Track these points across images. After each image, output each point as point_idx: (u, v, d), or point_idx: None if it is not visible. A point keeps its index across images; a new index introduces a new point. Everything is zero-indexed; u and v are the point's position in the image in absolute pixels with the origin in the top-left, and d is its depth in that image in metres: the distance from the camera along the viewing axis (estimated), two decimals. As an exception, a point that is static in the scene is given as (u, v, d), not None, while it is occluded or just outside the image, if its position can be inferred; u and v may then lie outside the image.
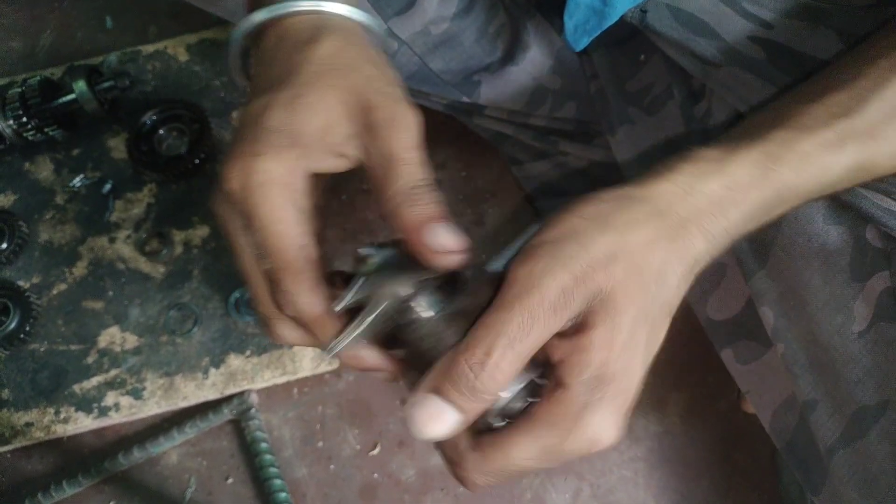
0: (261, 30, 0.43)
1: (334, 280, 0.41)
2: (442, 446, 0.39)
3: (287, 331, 0.41)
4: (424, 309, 0.38)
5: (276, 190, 0.37)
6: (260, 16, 0.42)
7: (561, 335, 0.37)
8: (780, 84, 0.50)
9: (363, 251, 0.40)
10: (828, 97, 0.39)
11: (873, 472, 0.45)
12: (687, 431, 0.80)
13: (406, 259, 0.39)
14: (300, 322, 0.40)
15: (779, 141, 0.38)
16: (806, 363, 0.51)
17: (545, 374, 0.38)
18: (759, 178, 0.38)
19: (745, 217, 0.39)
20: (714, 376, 0.81)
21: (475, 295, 0.37)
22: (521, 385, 0.38)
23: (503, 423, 0.38)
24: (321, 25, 0.41)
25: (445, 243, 0.37)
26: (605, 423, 0.37)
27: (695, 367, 0.81)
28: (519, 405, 0.38)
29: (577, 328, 0.37)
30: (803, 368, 0.51)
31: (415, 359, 0.38)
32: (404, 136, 0.38)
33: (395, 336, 0.39)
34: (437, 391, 0.35)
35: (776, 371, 0.56)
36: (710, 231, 0.38)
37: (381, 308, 0.38)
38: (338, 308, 0.38)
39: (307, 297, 0.38)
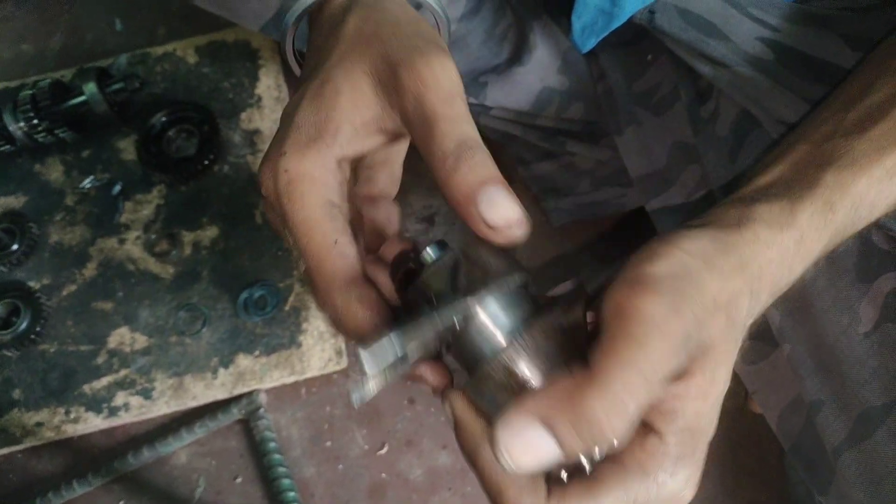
0: (310, 19, 0.43)
1: (399, 267, 0.37)
2: (497, 488, 0.34)
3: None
4: (502, 324, 0.33)
5: (302, 188, 0.36)
6: (300, 4, 0.42)
7: None
8: (789, 85, 0.50)
9: (427, 255, 0.35)
10: (871, 129, 0.38)
11: (880, 473, 0.45)
12: (694, 432, 0.80)
13: (474, 261, 0.34)
14: (336, 323, 0.37)
15: (834, 186, 0.37)
16: (812, 364, 0.51)
17: None
18: (822, 229, 0.37)
19: (806, 269, 0.37)
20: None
21: (567, 312, 0.33)
22: None
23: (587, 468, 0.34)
24: (351, 3, 0.40)
25: (503, 214, 0.32)
26: (690, 477, 0.35)
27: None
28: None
29: (676, 374, 0.33)
30: (809, 369, 0.51)
31: (483, 376, 0.33)
32: (438, 89, 0.35)
33: (451, 346, 0.34)
34: (547, 422, 0.30)
35: (783, 372, 0.56)
36: (778, 286, 0.36)
37: (443, 327, 0.32)
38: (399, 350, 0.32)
39: (339, 298, 0.36)
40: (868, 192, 0.37)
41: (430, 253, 0.35)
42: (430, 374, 0.36)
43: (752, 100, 0.53)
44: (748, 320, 0.36)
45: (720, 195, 0.57)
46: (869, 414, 0.46)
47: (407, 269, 0.36)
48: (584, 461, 0.33)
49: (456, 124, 0.35)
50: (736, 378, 0.59)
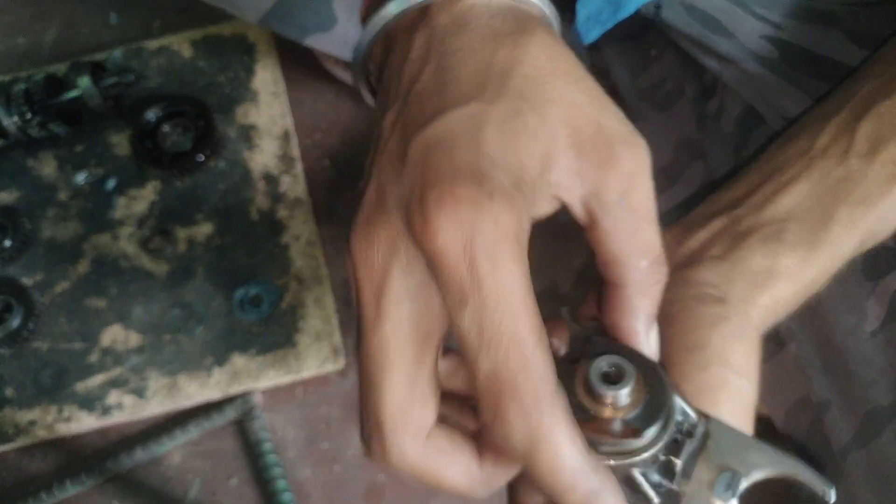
0: (408, 21, 0.31)
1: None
2: None
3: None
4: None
5: (510, 251, 0.26)
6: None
7: None
8: (794, 81, 0.49)
9: (616, 395, 0.27)
10: (883, 151, 0.37)
11: (887, 474, 0.45)
12: (695, 432, 0.79)
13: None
14: (522, 453, 0.26)
15: (847, 224, 0.36)
16: (819, 363, 0.50)
17: None
18: (830, 270, 0.36)
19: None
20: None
21: None
22: None
23: None
24: (522, 13, 0.31)
25: (655, 350, 0.31)
26: None
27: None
28: None
29: None
30: (816, 369, 0.50)
31: None
32: (648, 189, 0.29)
33: None
34: None
35: (789, 371, 0.55)
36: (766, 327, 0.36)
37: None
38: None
39: (551, 414, 0.25)
40: (875, 226, 0.36)
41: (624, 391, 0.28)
42: None
43: (757, 96, 0.52)
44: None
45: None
46: (876, 413, 0.45)
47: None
48: None
49: (659, 234, 0.30)
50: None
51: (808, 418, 0.54)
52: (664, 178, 0.65)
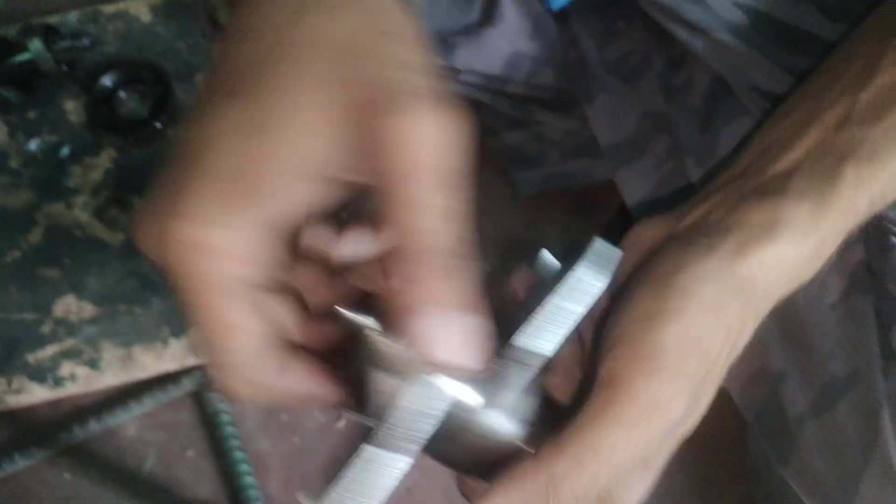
0: None
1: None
2: None
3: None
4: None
5: (205, 266, 0.25)
6: None
7: None
8: (766, 52, 0.49)
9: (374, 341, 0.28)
10: (887, 116, 0.36)
11: (840, 444, 0.45)
12: (656, 407, 0.80)
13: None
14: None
15: (855, 182, 0.35)
16: (778, 334, 0.50)
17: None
18: (842, 231, 0.36)
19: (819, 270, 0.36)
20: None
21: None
22: None
23: None
24: None
25: (458, 357, 0.26)
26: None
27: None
28: None
29: None
30: (775, 339, 0.50)
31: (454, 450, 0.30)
32: (429, 164, 0.25)
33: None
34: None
35: (748, 343, 0.55)
36: (781, 295, 0.36)
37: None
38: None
39: (238, 383, 0.28)
40: (886, 186, 0.36)
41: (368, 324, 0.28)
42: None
43: (727, 67, 0.52)
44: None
45: (693, 164, 0.56)
46: (832, 385, 0.46)
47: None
48: None
49: (441, 224, 0.26)
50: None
51: (764, 390, 0.54)
52: (630, 150, 0.64)
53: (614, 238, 0.36)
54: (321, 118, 0.26)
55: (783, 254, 0.33)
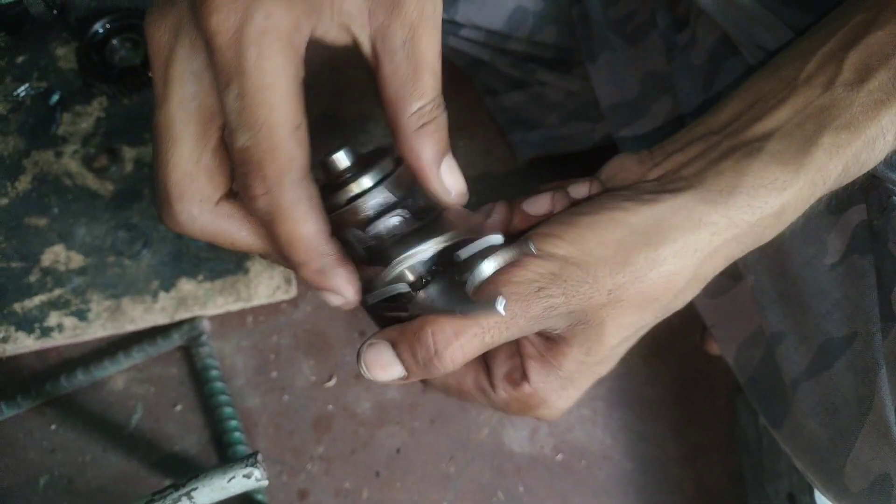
0: None
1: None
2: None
3: (241, 231, 0.34)
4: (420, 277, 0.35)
5: (279, 45, 0.29)
6: None
7: (538, 335, 0.39)
8: (771, 8, 0.48)
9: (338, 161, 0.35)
10: (870, 79, 0.36)
11: (836, 404, 0.45)
12: (647, 372, 0.80)
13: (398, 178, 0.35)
14: (266, 223, 0.32)
15: (830, 149, 0.35)
16: (775, 295, 0.50)
17: None
18: (809, 197, 0.37)
19: (782, 232, 0.38)
20: (677, 318, 0.80)
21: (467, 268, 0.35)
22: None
23: None
24: None
25: (458, 183, 0.35)
26: (557, 410, 0.41)
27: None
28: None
29: (553, 339, 0.38)
30: (772, 300, 0.50)
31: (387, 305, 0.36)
32: (435, 33, 0.32)
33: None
34: (395, 346, 0.36)
35: (743, 305, 0.55)
36: (735, 256, 0.37)
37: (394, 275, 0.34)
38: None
39: (293, 193, 0.30)
40: (861, 153, 0.36)
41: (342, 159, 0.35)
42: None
43: (733, 23, 0.51)
44: (699, 286, 0.38)
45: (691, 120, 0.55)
46: (829, 345, 0.45)
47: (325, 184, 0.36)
48: None
49: (439, 80, 0.33)
50: (690, 318, 0.57)
51: (759, 352, 0.53)
52: (631, 111, 0.63)
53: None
54: None
55: (735, 218, 0.35)
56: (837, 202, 0.45)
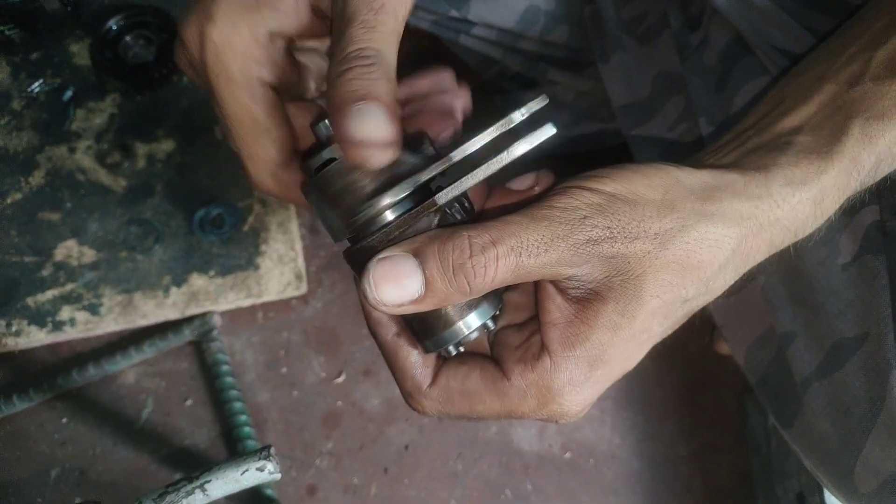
0: None
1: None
2: (400, 379, 0.36)
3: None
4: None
5: (232, 64, 0.34)
6: None
7: (565, 296, 0.33)
8: (787, 9, 0.48)
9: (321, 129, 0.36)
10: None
11: (847, 403, 0.45)
12: (656, 373, 0.80)
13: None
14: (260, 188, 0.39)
15: (862, 139, 0.35)
16: (786, 295, 0.50)
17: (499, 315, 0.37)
18: (844, 188, 0.35)
19: (820, 228, 0.36)
20: (687, 320, 0.80)
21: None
22: (490, 315, 0.35)
23: (455, 352, 0.36)
24: None
25: (367, 133, 0.31)
26: (580, 401, 0.34)
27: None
28: (475, 336, 0.35)
29: (586, 297, 0.33)
30: (783, 300, 0.50)
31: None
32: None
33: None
34: (418, 254, 0.31)
35: (753, 305, 0.55)
36: (777, 245, 0.35)
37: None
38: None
39: (269, 182, 0.37)
40: (894, 145, 0.35)
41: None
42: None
43: (748, 23, 0.51)
44: (732, 275, 0.34)
45: (706, 124, 0.55)
46: (841, 345, 0.45)
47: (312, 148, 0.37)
48: (451, 349, 0.35)
49: (370, 33, 0.32)
50: (701, 319, 0.57)
51: (770, 352, 0.53)
52: (642, 111, 0.63)
53: None
54: None
55: (775, 194, 0.33)
56: (849, 204, 0.45)
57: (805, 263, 0.48)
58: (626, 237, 0.31)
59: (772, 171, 0.34)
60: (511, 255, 0.30)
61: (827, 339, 0.46)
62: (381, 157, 0.32)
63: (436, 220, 0.33)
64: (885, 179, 0.42)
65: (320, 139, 0.35)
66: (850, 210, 0.45)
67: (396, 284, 0.31)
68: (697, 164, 0.35)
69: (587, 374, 0.33)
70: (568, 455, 0.77)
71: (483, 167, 0.32)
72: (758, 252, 0.35)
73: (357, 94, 0.31)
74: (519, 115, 0.33)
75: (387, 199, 0.32)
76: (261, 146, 0.36)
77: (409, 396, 0.36)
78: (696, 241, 0.32)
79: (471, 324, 0.35)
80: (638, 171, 0.33)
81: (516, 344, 0.36)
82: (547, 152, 0.86)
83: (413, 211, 0.32)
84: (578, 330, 0.33)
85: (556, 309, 0.33)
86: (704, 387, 0.79)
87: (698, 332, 0.80)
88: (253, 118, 0.35)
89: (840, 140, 0.35)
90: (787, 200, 0.34)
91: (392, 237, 0.32)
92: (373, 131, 0.31)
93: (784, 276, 0.50)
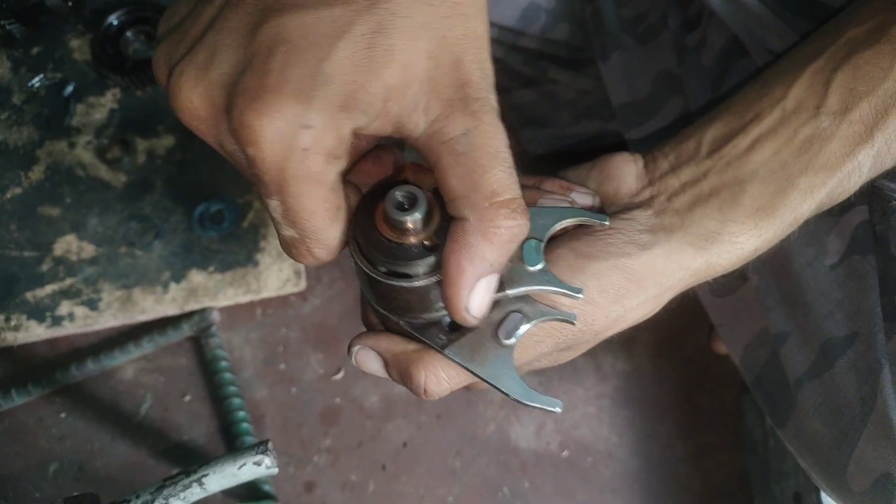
0: None
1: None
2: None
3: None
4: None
5: (321, 165, 0.30)
6: None
7: None
8: (781, 15, 0.48)
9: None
10: (852, 111, 0.37)
11: (838, 403, 0.45)
12: (654, 371, 0.80)
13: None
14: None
15: (806, 190, 0.37)
16: (779, 296, 0.50)
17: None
18: (780, 237, 0.38)
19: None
20: (684, 319, 0.80)
21: None
22: None
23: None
24: None
25: (479, 307, 0.32)
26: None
27: (666, 308, 0.80)
28: None
29: None
30: (776, 301, 0.50)
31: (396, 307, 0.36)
32: (494, 129, 0.30)
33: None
34: (387, 366, 0.38)
35: (749, 305, 0.55)
36: (689, 285, 0.39)
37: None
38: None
39: (326, 255, 0.34)
40: (835, 189, 0.37)
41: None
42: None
43: (742, 26, 0.51)
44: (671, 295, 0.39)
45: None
46: (831, 345, 0.45)
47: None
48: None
49: (514, 179, 0.31)
50: (697, 319, 0.58)
51: (765, 352, 0.54)
52: (642, 111, 0.63)
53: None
54: (419, 64, 0.29)
55: (714, 262, 0.37)
56: (837, 205, 0.45)
57: (794, 265, 0.48)
58: (568, 344, 0.38)
59: (717, 244, 0.37)
60: (460, 385, 0.37)
61: (817, 339, 0.46)
62: (478, 322, 0.34)
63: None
64: (870, 185, 0.42)
65: (398, 225, 0.32)
66: (838, 211, 0.45)
67: (369, 368, 0.38)
68: (650, 223, 0.38)
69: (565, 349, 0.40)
70: (566, 453, 0.78)
71: (480, 366, 0.35)
72: (660, 303, 0.39)
73: (495, 265, 0.32)
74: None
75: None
76: (332, 230, 0.33)
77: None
78: (630, 318, 0.38)
79: None
80: (596, 277, 0.36)
81: None
82: (547, 150, 0.86)
83: (424, 335, 0.36)
84: None
85: None
86: (702, 386, 0.79)
87: (695, 332, 0.80)
88: (329, 208, 0.32)
89: (786, 194, 0.37)
90: (723, 265, 0.38)
91: (400, 330, 0.37)
92: (484, 307, 0.33)
93: (776, 277, 0.50)
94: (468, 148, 0.29)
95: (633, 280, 0.37)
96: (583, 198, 0.40)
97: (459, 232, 0.31)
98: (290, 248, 0.34)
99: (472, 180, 0.30)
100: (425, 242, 0.32)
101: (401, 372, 0.37)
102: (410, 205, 0.32)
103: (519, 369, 0.36)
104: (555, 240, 0.38)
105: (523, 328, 0.35)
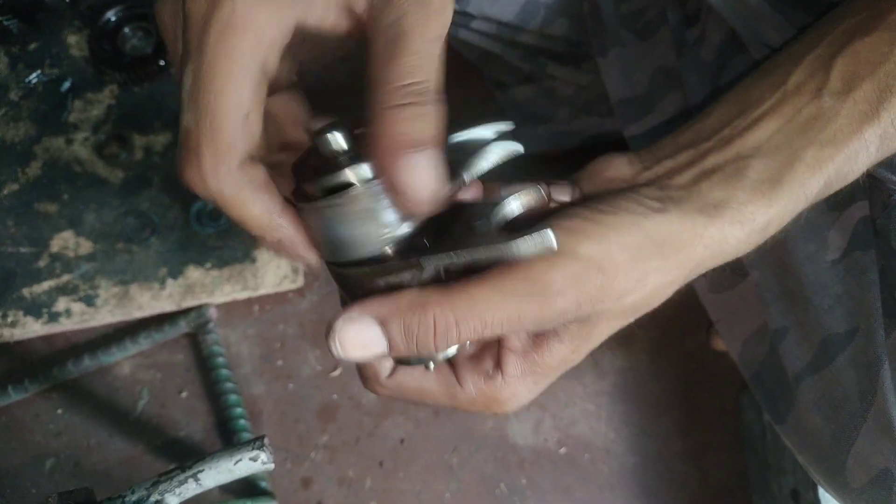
0: None
1: (306, 163, 0.33)
2: (361, 365, 0.38)
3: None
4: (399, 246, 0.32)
5: (242, 42, 0.29)
6: None
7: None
8: (779, 9, 0.48)
9: (330, 143, 0.31)
10: (857, 89, 0.36)
11: (838, 399, 0.45)
12: (652, 368, 0.80)
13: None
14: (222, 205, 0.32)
15: (813, 164, 0.36)
16: (778, 291, 0.50)
17: None
18: (792, 213, 0.37)
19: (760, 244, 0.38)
20: (684, 316, 0.80)
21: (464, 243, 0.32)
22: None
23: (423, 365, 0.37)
24: None
25: (420, 184, 0.30)
26: (518, 406, 0.39)
27: (665, 305, 0.80)
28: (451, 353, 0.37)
29: (546, 332, 0.37)
30: (775, 296, 0.50)
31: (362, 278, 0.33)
32: (434, 19, 0.30)
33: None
34: (384, 322, 0.32)
35: (748, 301, 0.55)
36: (710, 266, 0.37)
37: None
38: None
39: (231, 181, 0.30)
40: (843, 166, 0.36)
41: (336, 141, 0.31)
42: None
43: (741, 21, 0.51)
44: (672, 289, 0.37)
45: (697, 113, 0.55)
46: (831, 340, 0.45)
47: (314, 165, 0.32)
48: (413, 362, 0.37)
49: (427, 63, 0.30)
50: (698, 316, 0.57)
51: (764, 348, 0.53)
52: (640, 107, 0.63)
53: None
54: None
55: (727, 233, 0.35)
56: (838, 199, 0.45)
57: (794, 259, 0.48)
58: (592, 305, 0.33)
59: (726, 212, 0.35)
60: (474, 332, 0.32)
61: (817, 334, 0.46)
62: (429, 209, 0.31)
63: (420, 276, 0.33)
64: (871, 178, 0.42)
65: (326, 154, 0.31)
66: (839, 206, 0.45)
67: (362, 348, 0.33)
68: (657, 194, 0.37)
69: (531, 387, 0.38)
70: (563, 450, 0.77)
71: (473, 251, 0.31)
72: (688, 279, 0.37)
73: (416, 139, 0.29)
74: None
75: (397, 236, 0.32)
76: (230, 131, 0.30)
77: (365, 380, 0.39)
78: (651, 290, 0.35)
79: (448, 351, 0.37)
80: (614, 229, 0.34)
81: (472, 353, 0.40)
82: (545, 147, 0.86)
83: (399, 263, 0.32)
84: (533, 361, 0.37)
85: (516, 337, 0.37)
86: (701, 384, 0.79)
87: (694, 328, 0.80)
88: (240, 106, 0.30)
89: (793, 167, 0.36)
90: (736, 237, 0.36)
91: (374, 285, 0.33)
92: (428, 183, 0.30)
93: (776, 272, 0.50)
94: (396, 34, 0.29)
95: (652, 241, 0.34)
96: (559, 190, 0.38)
97: (374, 118, 0.30)
98: (184, 140, 0.30)
99: (388, 66, 0.29)
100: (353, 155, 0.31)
101: (406, 325, 0.32)
102: (332, 128, 0.31)
103: (536, 324, 0.33)
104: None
105: (513, 200, 0.32)
